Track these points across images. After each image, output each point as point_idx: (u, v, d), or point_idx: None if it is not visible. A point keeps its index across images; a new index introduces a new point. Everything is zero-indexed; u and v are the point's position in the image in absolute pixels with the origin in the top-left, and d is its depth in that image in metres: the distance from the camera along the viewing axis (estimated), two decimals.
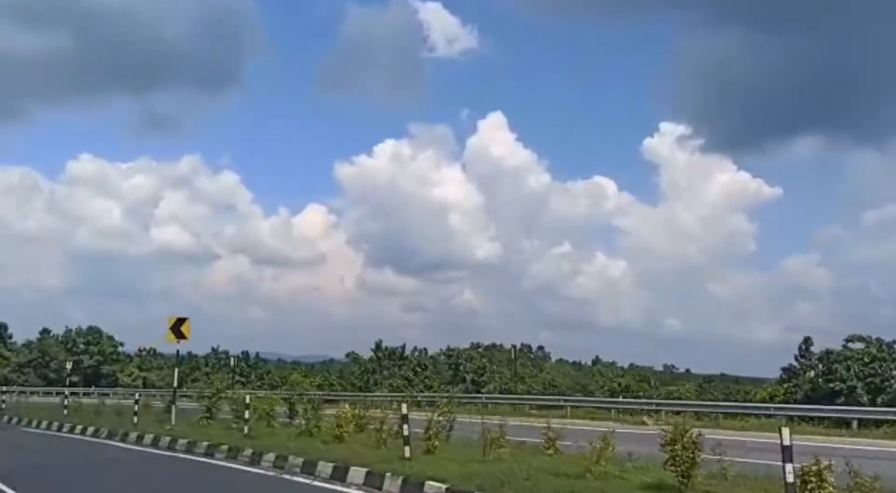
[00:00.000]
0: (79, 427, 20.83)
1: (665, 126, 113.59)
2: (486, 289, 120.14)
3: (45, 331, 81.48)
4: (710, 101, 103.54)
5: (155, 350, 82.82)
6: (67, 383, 52.23)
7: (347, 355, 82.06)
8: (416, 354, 67.36)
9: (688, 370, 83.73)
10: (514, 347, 68.16)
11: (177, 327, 18.83)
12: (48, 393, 52.80)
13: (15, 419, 25.61)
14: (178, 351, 21.54)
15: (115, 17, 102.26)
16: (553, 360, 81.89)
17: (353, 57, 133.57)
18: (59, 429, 21.71)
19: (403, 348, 66.48)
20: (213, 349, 76.48)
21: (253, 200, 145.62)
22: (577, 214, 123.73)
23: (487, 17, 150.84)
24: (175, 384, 22.03)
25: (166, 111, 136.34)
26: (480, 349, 70.50)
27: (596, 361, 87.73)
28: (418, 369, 60.34)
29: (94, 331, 78.00)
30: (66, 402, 27.16)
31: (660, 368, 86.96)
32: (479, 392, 48.65)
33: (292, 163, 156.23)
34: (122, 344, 79.40)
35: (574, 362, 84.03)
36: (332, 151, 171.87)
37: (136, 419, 20.27)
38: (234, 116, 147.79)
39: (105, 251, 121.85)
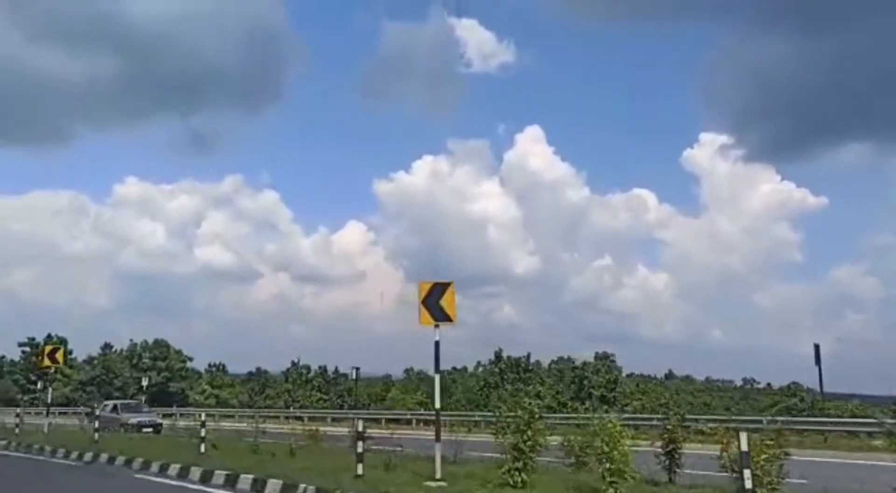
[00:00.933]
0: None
1: (705, 136, 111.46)
2: (526, 303, 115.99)
3: (106, 346, 74.82)
4: (752, 108, 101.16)
5: (224, 366, 75.70)
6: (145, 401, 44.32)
7: (406, 370, 74.71)
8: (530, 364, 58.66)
9: (769, 384, 76.17)
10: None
11: (433, 301, 11.08)
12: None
13: (107, 457, 16.49)
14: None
15: (159, 39, 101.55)
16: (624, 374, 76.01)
17: (390, 73, 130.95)
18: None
19: (528, 357, 58.37)
20: (294, 363, 68.47)
21: (293, 218, 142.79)
22: (617, 226, 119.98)
23: (524, 31, 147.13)
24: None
25: (209, 131, 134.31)
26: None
27: (669, 375, 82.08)
28: (545, 381, 51.62)
29: (160, 345, 70.72)
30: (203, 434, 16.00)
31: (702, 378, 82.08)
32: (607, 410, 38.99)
33: (331, 180, 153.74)
34: (190, 359, 72.02)
35: (647, 376, 77.50)
36: (370, 167, 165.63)
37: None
38: (274, 133, 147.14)
39: (150, 271, 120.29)
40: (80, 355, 72.48)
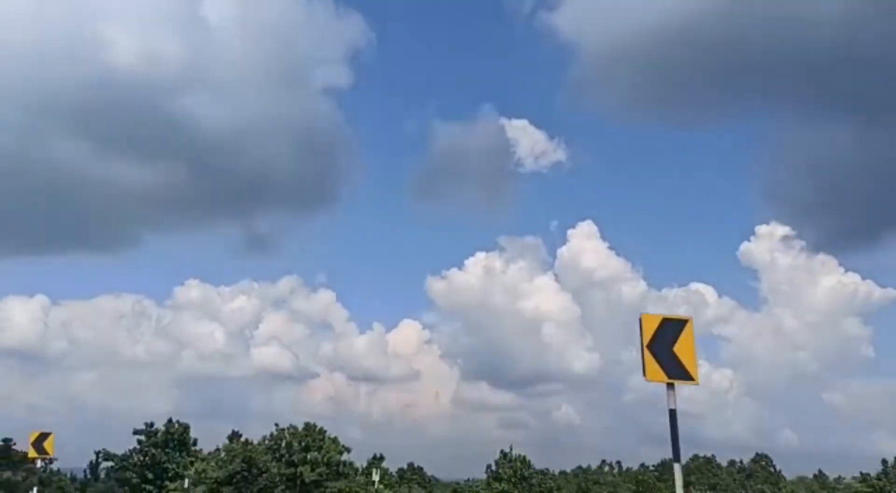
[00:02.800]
0: None
1: (763, 229, 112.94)
2: (585, 403, 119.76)
3: (234, 434, 60.75)
4: (811, 199, 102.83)
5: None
6: None
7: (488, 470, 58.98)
8: None
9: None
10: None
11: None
12: None
13: None
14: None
15: (220, 147, 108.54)
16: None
17: (442, 173, 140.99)
18: None
19: None
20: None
21: (349, 317, 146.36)
22: None
23: (574, 129, 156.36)
24: None
25: (266, 233, 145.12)
26: None
27: (819, 475, 76.32)
28: None
29: (311, 431, 55.29)
30: None
31: None
32: None
33: (386, 279, 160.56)
34: (348, 450, 56.08)
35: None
36: (424, 265, 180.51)
37: None
38: (329, 234, 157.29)
39: (209, 374, 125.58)
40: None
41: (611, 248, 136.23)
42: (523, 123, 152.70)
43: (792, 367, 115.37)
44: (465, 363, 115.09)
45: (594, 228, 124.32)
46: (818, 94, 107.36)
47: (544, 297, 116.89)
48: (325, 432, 55.44)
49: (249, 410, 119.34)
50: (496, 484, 55.04)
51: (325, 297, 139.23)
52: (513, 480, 54.71)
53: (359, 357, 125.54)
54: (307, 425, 55.73)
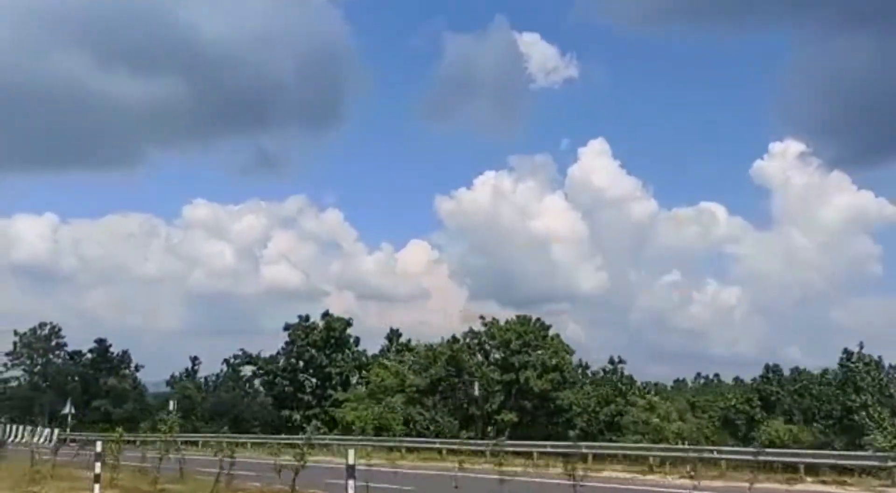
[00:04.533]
0: None
1: (776, 146, 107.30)
2: (592, 321, 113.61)
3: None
4: (828, 116, 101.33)
5: None
6: None
7: None
8: None
9: None
10: None
11: None
12: None
13: None
14: None
15: (224, 61, 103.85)
16: None
17: (451, 89, 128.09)
18: None
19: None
20: None
21: (357, 236, 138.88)
22: (685, 241, 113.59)
23: (587, 44, 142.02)
24: None
25: (273, 151, 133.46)
26: None
27: None
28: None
29: (527, 323, 41.77)
30: None
31: None
32: None
33: (394, 198, 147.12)
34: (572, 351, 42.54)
35: None
36: (432, 185, 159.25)
37: None
38: (337, 152, 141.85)
39: (219, 291, 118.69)
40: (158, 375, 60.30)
41: (622, 166, 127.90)
42: (535, 37, 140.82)
43: (800, 285, 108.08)
44: (474, 283, 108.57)
45: (606, 146, 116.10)
46: (842, 2, 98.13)
47: (553, 216, 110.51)
48: (549, 326, 42.14)
49: (261, 327, 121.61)
50: None
51: (334, 216, 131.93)
52: None
53: (368, 276, 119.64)
54: (521, 318, 42.34)
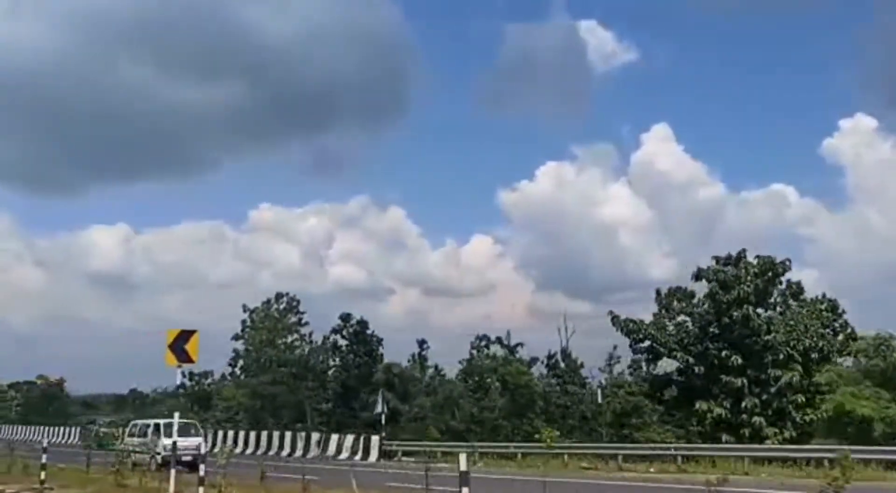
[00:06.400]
0: None
1: (846, 123, 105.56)
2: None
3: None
4: None
5: None
6: None
7: None
8: None
9: None
10: None
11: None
12: None
13: None
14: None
15: (286, 61, 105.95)
16: None
17: (511, 80, 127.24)
18: None
19: None
20: None
21: (420, 233, 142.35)
22: (756, 224, 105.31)
23: (645, 28, 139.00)
24: None
25: (335, 151, 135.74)
26: None
27: None
28: None
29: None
30: None
31: None
32: None
33: (456, 192, 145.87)
34: None
35: None
36: (494, 178, 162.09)
37: None
38: (398, 149, 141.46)
39: (288, 292, 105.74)
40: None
41: (686, 150, 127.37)
42: (591, 23, 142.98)
43: (880, 265, 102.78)
44: (540, 274, 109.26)
45: (669, 131, 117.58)
46: None
47: (618, 204, 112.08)
48: None
49: (331, 325, 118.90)
50: None
51: (396, 214, 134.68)
52: None
53: (433, 272, 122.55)
54: None
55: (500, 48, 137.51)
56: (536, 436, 30.95)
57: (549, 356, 45.93)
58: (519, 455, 29.67)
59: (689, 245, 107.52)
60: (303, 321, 55.00)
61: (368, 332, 49.70)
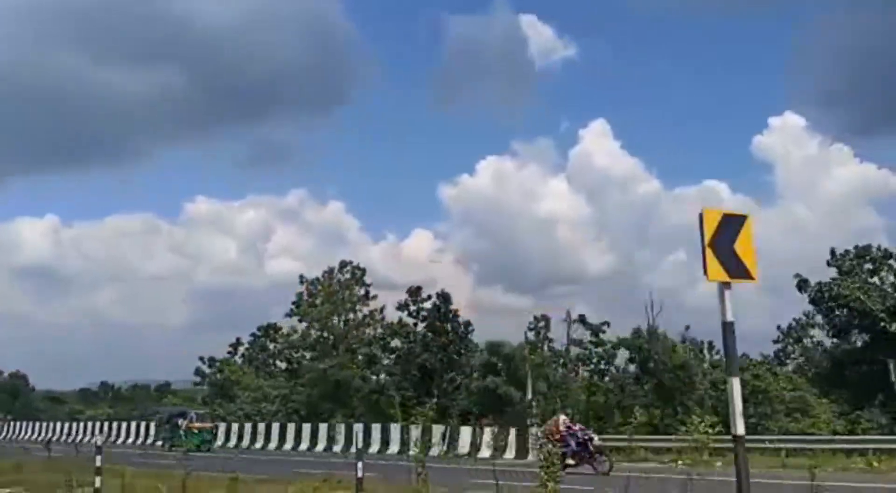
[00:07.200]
0: None
1: (775, 121, 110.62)
2: (601, 302, 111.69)
3: None
4: (832, 87, 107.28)
5: None
6: None
7: None
8: None
9: None
10: None
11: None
12: None
13: None
14: None
15: (222, 48, 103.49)
16: None
17: (453, 75, 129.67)
18: None
19: None
20: None
21: (361, 227, 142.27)
22: (690, 220, 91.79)
23: (583, 24, 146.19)
24: None
25: (273, 142, 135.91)
26: None
27: None
28: None
29: None
30: None
31: None
32: None
33: (397, 187, 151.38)
34: None
35: None
36: (435, 171, 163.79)
37: None
38: (338, 142, 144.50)
39: (224, 287, 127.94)
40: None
41: (623, 147, 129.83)
42: (531, 18, 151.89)
43: (806, 260, 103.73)
44: (480, 269, 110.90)
45: (607, 127, 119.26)
46: None
47: (557, 199, 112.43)
48: None
49: (270, 320, 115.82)
50: None
51: (336, 208, 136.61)
52: None
53: (373, 267, 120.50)
54: None
55: (443, 41, 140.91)
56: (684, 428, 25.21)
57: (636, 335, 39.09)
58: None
59: (625, 240, 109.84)
60: (370, 295, 47.59)
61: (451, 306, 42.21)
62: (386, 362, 44.13)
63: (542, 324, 43.32)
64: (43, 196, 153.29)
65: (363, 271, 48.54)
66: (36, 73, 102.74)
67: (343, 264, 48.47)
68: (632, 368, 37.09)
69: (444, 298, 42.42)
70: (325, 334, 45.70)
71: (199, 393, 54.87)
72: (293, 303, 47.53)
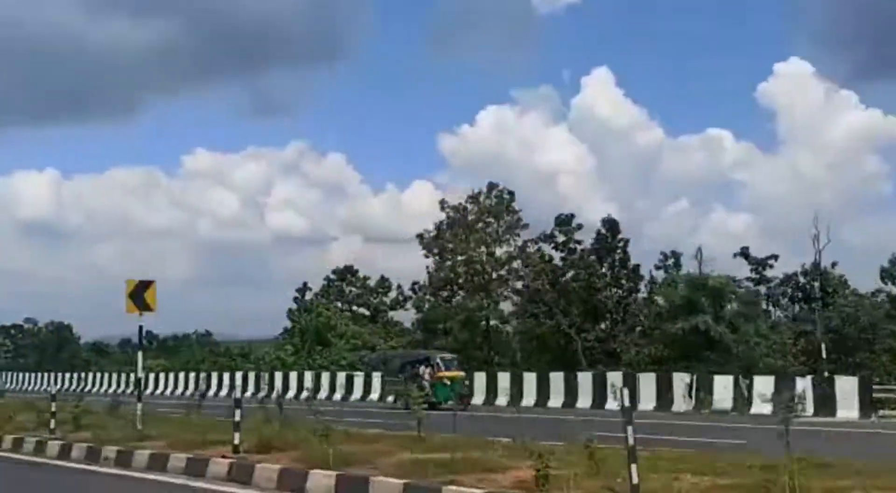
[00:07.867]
0: None
1: (780, 67, 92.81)
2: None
3: None
4: (837, 32, 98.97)
5: None
6: None
7: None
8: None
9: None
10: None
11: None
12: None
13: None
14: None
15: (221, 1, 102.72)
16: None
17: (454, 21, 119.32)
18: None
19: None
20: None
21: (361, 179, 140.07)
22: (693, 168, 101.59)
23: None
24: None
25: (273, 94, 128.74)
26: None
27: None
28: None
29: None
30: None
31: None
32: None
33: (397, 138, 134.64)
34: None
35: None
36: (435, 121, 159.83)
37: None
38: (338, 92, 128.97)
39: (226, 241, 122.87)
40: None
41: (626, 95, 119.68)
42: None
43: (809, 207, 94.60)
44: None
45: (609, 75, 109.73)
46: None
47: (559, 149, 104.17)
48: None
49: (272, 274, 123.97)
50: None
51: (337, 159, 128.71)
52: None
53: (374, 219, 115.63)
54: None
55: None
56: None
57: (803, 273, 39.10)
58: None
59: (627, 190, 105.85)
60: (521, 223, 41.35)
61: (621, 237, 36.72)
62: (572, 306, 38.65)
63: None
64: (41, 150, 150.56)
65: (512, 195, 41.85)
66: (29, 23, 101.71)
67: (491, 187, 41.96)
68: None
69: (611, 226, 36.81)
70: (467, 270, 39.77)
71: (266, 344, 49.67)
72: (417, 236, 42.10)
